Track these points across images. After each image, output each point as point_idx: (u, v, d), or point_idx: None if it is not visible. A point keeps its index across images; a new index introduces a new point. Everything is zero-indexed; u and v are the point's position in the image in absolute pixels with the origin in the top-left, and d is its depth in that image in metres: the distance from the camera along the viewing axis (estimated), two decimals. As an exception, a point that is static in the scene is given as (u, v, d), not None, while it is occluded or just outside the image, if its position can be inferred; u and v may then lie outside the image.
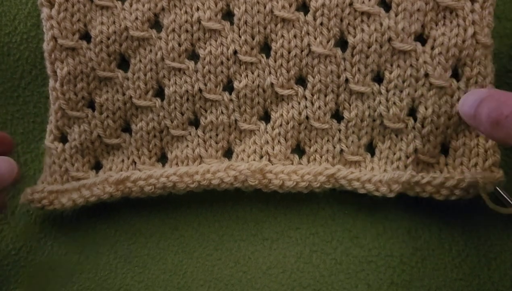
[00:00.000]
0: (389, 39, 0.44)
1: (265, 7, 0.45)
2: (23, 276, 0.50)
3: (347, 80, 0.46)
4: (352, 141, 0.47)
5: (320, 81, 0.46)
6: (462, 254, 0.46)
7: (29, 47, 0.49)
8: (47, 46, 0.47)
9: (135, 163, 0.49)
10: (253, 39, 0.46)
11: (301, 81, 0.47)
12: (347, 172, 0.46)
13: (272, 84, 0.47)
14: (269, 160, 0.47)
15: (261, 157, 0.48)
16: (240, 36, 0.46)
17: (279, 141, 0.47)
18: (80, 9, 0.47)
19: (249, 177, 0.46)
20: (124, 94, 0.48)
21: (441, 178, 0.44)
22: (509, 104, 0.37)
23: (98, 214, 0.50)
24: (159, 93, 0.48)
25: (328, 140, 0.47)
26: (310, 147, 0.47)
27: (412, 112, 0.45)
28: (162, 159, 0.49)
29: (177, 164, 0.48)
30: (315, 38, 0.45)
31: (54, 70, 0.47)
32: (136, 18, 0.46)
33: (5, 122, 0.51)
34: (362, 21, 0.45)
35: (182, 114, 0.48)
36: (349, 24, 0.45)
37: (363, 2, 0.44)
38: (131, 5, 0.46)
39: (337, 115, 0.47)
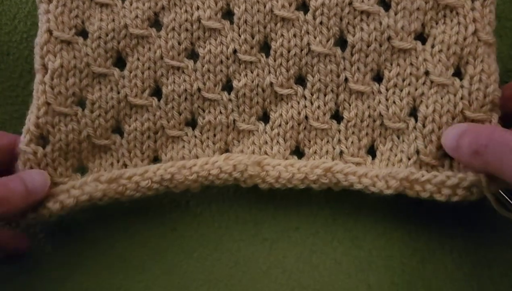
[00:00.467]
0: (389, 38, 0.44)
1: (265, 6, 0.45)
2: (23, 277, 0.49)
3: (346, 79, 0.46)
4: (352, 143, 0.46)
5: (319, 80, 0.46)
6: (462, 254, 0.46)
7: (29, 47, 0.49)
8: (40, 38, 0.46)
9: (126, 165, 0.47)
10: (253, 38, 0.46)
11: (301, 80, 0.47)
12: (343, 166, 0.45)
13: (271, 83, 0.46)
14: (267, 161, 0.47)
15: (260, 157, 0.47)
16: (240, 35, 0.46)
17: (278, 141, 0.47)
18: (79, 5, 0.46)
19: (249, 166, 0.45)
20: (119, 92, 0.47)
21: (442, 176, 0.43)
22: (486, 134, 0.40)
23: (98, 214, 0.49)
24: (156, 93, 0.47)
25: (327, 141, 0.47)
26: (309, 148, 0.47)
27: (414, 113, 0.45)
28: (155, 161, 0.48)
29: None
30: (315, 37, 0.45)
31: (44, 64, 0.46)
32: (136, 16, 0.46)
33: (3, 122, 0.51)
34: (361, 20, 0.45)
35: (180, 114, 0.47)
36: (348, 23, 0.45)
37: (363, 1, 0.44)
38: (131, 4, 0.46)
39: (337, 117, 0.46)
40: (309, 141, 0.47)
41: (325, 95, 0.46)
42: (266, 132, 0.47)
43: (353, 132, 0.46)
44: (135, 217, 0.49)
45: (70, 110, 0.46)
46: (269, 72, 0.46)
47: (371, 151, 0.46)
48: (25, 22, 0.49)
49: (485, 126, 0.42)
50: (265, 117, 0.47)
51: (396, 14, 0.44)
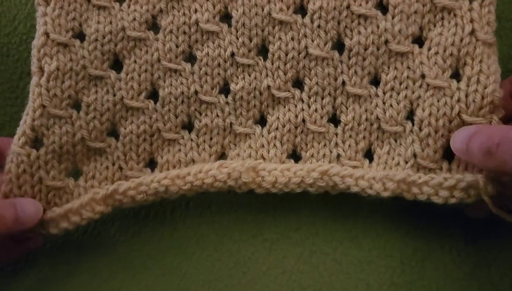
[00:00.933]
0: (386, 41, 0.44)
1: (263, 10, 0.45)
2: (23, 277, 0.49)
3: (344, 82, 0.46)
4: (349, 146, 0.46)
5: (317, 83, 0.46)
6: (462, 254, 0.46)
7: (29, 48, 0.49)
8: (37, 41, 0.46)
9: (122, 168, 0.47)
10: (251, 41, 0.46)
11: (298, 84, 0.46)
12: (340, 169, 0.45)
13: (269, 86, 0.46)
14: (264, 164, 0.47)
15: (256, 161, 0.47)
16: (237, 38, 0.46)
17: (274, 145, 0.47)
18: (77, 8, 0.46)
19: (243, 173, 0.45)
20: (115, 95, 0.47)
21: (440, 178, 0.42)
22: (497, 133, 0.39)
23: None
24: (152, 95, 0.47)
25: (325, 145, 0.46)
26: (306, 152, 0.46)
27: (411, 116, 0.44)
28: (151, 164, 0.48)
29: (168, 169, 0.47)
30: (313, 41, 0.45)
31: (41, 66, 0.46)
32: (134, 19, 0.46)
33: (3, 123, 0.51)
34: (359, 23, 0.45)
35: (176, 116, 0.47)
36: (346, 26, 0.45)
37: (360, 5, 0.44)
38: (129, 6, 0.46)
39: (334, 120, 0.46)
40: (306, 144, 0.47)
41: (322, 98, 0.46)
42: (263, 136, 0.47)
43: (350, 136, 0.46)
44: (135, 218, 0.49)
45: (65, 113, 0.46)
46: (267, 75, 0.46)
47: (369, 155, 0.46)
48: (25, 23, 0.49)
49: (496, 126, 0.42)
50: (262, 121, 0.47)
51: (393, 17, 0.44)
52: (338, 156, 0.46)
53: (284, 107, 0.46)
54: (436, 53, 0.43)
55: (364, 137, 0.46)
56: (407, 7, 0.44)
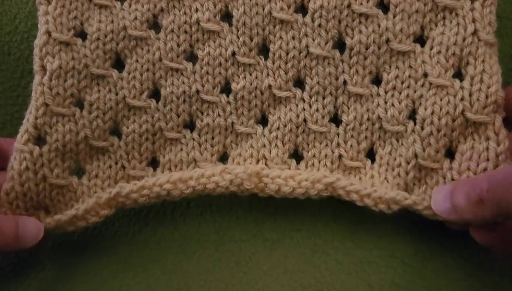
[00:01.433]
0: (387, 41, 0.44)
1: (263, 9, 0.45)
2: (23, 276, 0.49)
3: (345, 82, 0.45)
4: (351, 146, 0.46)
5: (318, 83, 0.46)
6: (464, 254, 0.45)
7: (30, 47, 0.49)
8: (39, 40, 0.46)
9: (124, 167, 0.47)
10: (252, 40, 0.46)
11: (299, 83, 0.46)
12: (346, 183, 0.44)
13: (270, 86, 0.46)
14: (265, 164, 0.46)
15: (258, 160, 0.46)
16: (238, 38, 0.46)
17: (276, 145, 0.46)
18: (78, 7, 0.47)
19: (245, 180, 0.45)
20: (117, 94, 0.47)
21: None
22: (482, 180, 0.39)
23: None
24: (154, 95, 0.47)
25: (326, 145, 0.46)
26: (308, 152, 0.46)
27: (413, 116, 0.44)
28: (153, 163, 0.48)
29: (170, 168, 0.47)
30: (313, 40, 0.45)
31: (43, 65, 0.46)
32: (135, 18, 0.46)
33: (4, 122, 0.51)
34: (360, 22, 0.44)
35: (178, 116, 0.47)
36: (347, 25, 0.45)
37: (361, 4, 0.44)
38: (130, 6, 0.46)
39: (336, 120, 0.46)
40: (308, 144, 0.46)
41: (323, 98, 0.46)
42: (264, 136, 0.47)
43: (352, 136, 0.46)
44: (135, 218, 0.49)
45: (68, 111, 0.46)
46: (268, 74, 0.46)
47: (371, 155, 0.46)
48: (26, 22, 0.50)
49: (475, 176, 0.41)
50: (263, 120, 0.47)
51: (394, 16, 0.44)
52: (340, 156, 0.46)
53: (285, 107, 0.46)
54: (439, 52, 0.43)
55: (366, 137, 0.46)
56: (408, 6, 0.43)
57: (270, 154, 0.46)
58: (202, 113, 0.47)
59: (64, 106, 0.46)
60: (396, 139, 0.45)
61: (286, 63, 0.46)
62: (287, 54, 0.46)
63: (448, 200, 0.40)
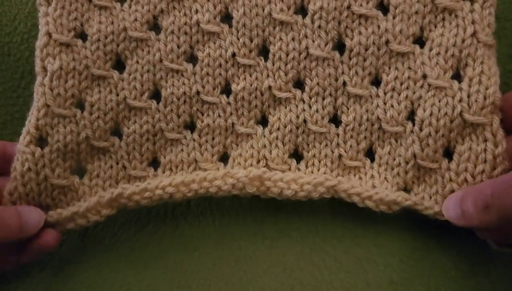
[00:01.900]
0: (387, 42, 0.44)
1: (263, 10, 0.45)
2: (23, 277, 0.49)
3: (345, 83, 0.46)
4: (350, 146, 0.46)
5: (318, 84, 0.46)
6: (461, 252, 0.46)
7: (30, 47, 0.49)
8: (40, 42, 0.46)
9: (125, 168, 0.48)
10: (252, 41, 0.46)
11: (299, 84, 0.47)
12: (348, 186, 0.45)
13: (270, 87, 0.46)
14: (266, 164, 0.47)
15: (258, 161, 0.47)
16: (238, 39, 0.46)
17: (276, 145, 0.47)
18: (78, 8, 0.47)
19: (247, 185, 0.45)
20: (118, 95, 0.47)
21: (439, 208, 0.44)
22: (486, 186, 0.40)
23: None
24: (155, 96, 0.47)
25: (326, 145, 0.46)
26: (308, 152, 0.47)
27: (412, 117, 0.45)
28: (154, 164, 0.48)
29: (170, 168, 0.48)
30: (313, 41, 0.45)
31: (44, 66, 0.46)
32: (135, 19, 0.46)
33: (5, 122, 0.51)
34: (360, 23, 0.45)
35: (179, 116, 0.47)
36: (347, 27, 0.45)
37: (361, 5, 0.44)
38: (130, 7, 0.46)
39: (336, 120, 0.46)
40: (308, 145, 0.47)
41: (323, 99, 0.46)
42: (264, 136, 0.47)
43: (351, 136, 0.46)
44: (137, 216, 0.49)
45: (69, 112, 0.47)
46: (268, 75, 0.46)
47: (370, 154, 0.46)
48: (26, 23, 0.49)
49: (482, 182, 0.42)
50: (263, 121, 0.47)
51: (394, 17, 0.44)
52: (340, 156, 0.46)
53: (285, 107, 0.47)
54: (438, 53, 0.43)
55: (365, 137, 0.46)
56: (408, 7, 0.44)
57: (271, 154, 0.47)
58: (203, 114, 0.47)
59: (65, 107, 0.46)
60: (395, 139, 0.45)
61: (286, 64, 0.46)
62: (287, 55, 0.46)
63: (458, 207, 0.41)
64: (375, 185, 0.45)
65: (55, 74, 0.46)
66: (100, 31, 0.46)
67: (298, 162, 0.47)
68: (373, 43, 0.44)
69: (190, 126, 0.48)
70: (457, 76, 0.44)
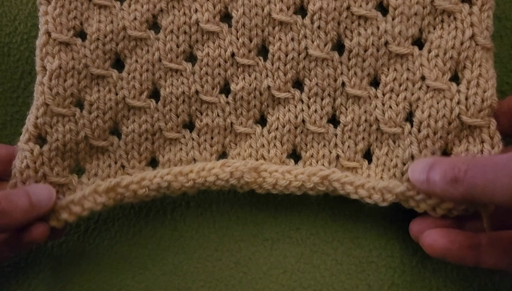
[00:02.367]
0: (386, 43, 0.44)
1: (263, 10, 0.45)
2: (23, 277, 0.49)
3: (343, 84, 0.46)
4: (348, 147, 0.46)
5: (316, 84, 0.46)
6: None
7: (29, 48, 0.49)
8: (39, 41, 0.46)
9: (124, 167, 0.48)
10: (251, 41, 0.46)
11: (298, 84, 0.47)
12: (341, 175, 0.45)
13: (269, 87, 0.46)
14: (264, 164, 0.47)
15: (257, 160, 0.47)
16: (238, 39, 0.46)
17: (274, 145, 0.47)
18: (77, 7, 0.46)
19: (245, 173, 0.45)
20: (117, 94, 0.47)
21: (438, 199, 0.43)
22: (463, 161, 0.39)
23: (98, 214, 0.49)
24: (154, 95, 0.48)
25: (324, 145, 0.47)
26: (306, 152, 0.47)
27: (410, 118, 0.45)
28: (152, 163, 0.48)
29: (169, 167, 0.47)
30: (313, 42, 0.45)
31: (44, 65, 0.46)
32: (135, 19, 0.46)
33: (4, 123, 0.51)
34: (359, 24, 0.45)
35: (178, 116, 0.47)
36: (346, 27, 0.45)
37: (361, 6, 0.44)
38: (129, 6, 0.46)
39: (334, 121, 0.47)
40: (306, 145, 0.47)
41: (322, 99, 0.46)
42: (263, 136, 0.47)
43: (349, 137, 0.46)
44: (135, 217, 0.49)
45: (68, 111, 0.47)
46: (267, 75, 0.46)
47: (368, 156, 0.47)
48: (26, 23, 0.49)
49: (455, 157, 0.42)
50: (262, 121, 0.47)
51: (393, 19, 0.44)
52: (338, 156, 0.46)
53: (284, 107, 0.47)
54: (437, 55, 0.43)
55: (363, 138, 0.46)
56: (407, 8, 0.44)
57: (269, 153, 0.47)
58: (201, 114, 0.47)
59: (64, 106, 0.47)
60: (393, 141, 0.46)
61: (285, 65, 0.46)
62: (286, 55, 0.46)
63: (425, 172, 0.41)
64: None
65: (54, 73, 0.46)
66: (100, 30, 0.46)
67: (296, 162, 0.47)
68: (372, 44, 0.44)
69: (189, 125, 0.48)
70: (455, 79, 0.44)
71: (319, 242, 0.47)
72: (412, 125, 0.45)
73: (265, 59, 0.46)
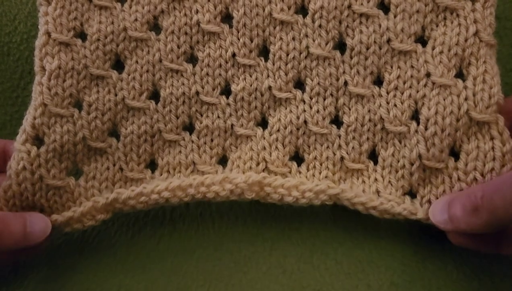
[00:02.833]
0: (388, 40, 0.44)
1: (264, 10, 0.45)
2: (23, 276, 0.48)
3: (346, 83, 0.45)
4: (353, 148, 0.45)
5: (318, 84, 0.45)
6: (463, 254, 0.45)
7: (29, 47, 0.50)
8: (39, 41, 0.46)
9: (122, 169, 0.47)
10: (252, 41, 0.46)
11: (300, 84, 0.46)
12: (351, 195, 0.43)
13: (270, 87, 0.46)
14: (266, 167, 0.46)
15: (258, 163, 0.46)
16: (238, 39, 0.46)
17: (276, 147, 0.46)
18: (78, 8, 0.47)
19: (246, 191, 0.44)
20: (116, 95, 0.46)
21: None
22: (477, 189, 0.39)
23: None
24: (154, 96, 0.47)
25: (327, 147, 0.45)
26: (309, 154, 0.46)
27: (416, 116, 0.44)
28: (151, 166, 0.47)
29: (168, 171, 0.47)
30: (314, 41, 0.45)
31: (42, 65, 0.46)
32: (136, 20, 0.46)
33: (4, 122, 0.51)
34: (360, 22, 0.44)
35: (177, 117, 0.47)
36: (347, 26, 0.44)
37: (362, 4, 0.44)
38: (130, 7, 0.47)
39: (337, 122, 0.45)
40: (309, 146, 0.46)
41: (324, 99, 0.45)
42: (264, 138, 0.46)
43: (353, 137, 0.45)
44: (135, 218, 0.49)
45: (67, 112, 0.46)
46: (268, 76, 0.46)
47: (373, 157, 0.45)
48: (26, 23, 0.50)
49: (471, 187, 0.41)
50: (263, 123, 0.47)
51: (395, 16, 0.44)
52: (342, 158, 0.45)
53: (286, 108, 0.46)
54: (441, 52, 0.43)
55: (367, 138, 0.45)
56: (409, 6, 0.43)
57: (271, 156, 0.46)
58: (202, 115, 0.47)
59: (62, 106, 0.46)
60: (398, 140, 0.44)
61: (286, 64, 0.45)
62: (287, 55, 0.45)
63: (446, 211, 0.41)
64: (379, 189, 0.44)
65: (53, 73, 0.46)
66: (100, 31, 0.46)
67: (299, 164, 0.46)
68: (374, 41, 0.44)
69: (189, 127, 0.47)
70: (460, 76, 0.43)
71: (318, 242, 0.46)
72: (418, 124, 0.43)
73: (266, 59, 0.46)
